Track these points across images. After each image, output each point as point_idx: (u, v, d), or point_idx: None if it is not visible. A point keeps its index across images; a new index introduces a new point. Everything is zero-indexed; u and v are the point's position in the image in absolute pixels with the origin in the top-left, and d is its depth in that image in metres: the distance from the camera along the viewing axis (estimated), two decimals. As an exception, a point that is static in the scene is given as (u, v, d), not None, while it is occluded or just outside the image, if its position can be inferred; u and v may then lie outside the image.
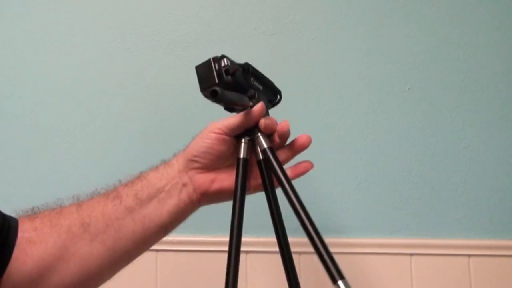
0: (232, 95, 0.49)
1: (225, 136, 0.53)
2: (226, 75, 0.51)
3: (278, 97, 0.63)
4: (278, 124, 0.55)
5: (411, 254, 0.86)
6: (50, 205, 0.52)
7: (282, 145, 0.57)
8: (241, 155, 0.53)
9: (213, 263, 0.83)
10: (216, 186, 0.55)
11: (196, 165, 0.54)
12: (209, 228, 0.87)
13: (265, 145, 0.53)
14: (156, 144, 0.91)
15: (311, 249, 0.88)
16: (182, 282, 0.85)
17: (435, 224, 0.88)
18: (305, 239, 0.88)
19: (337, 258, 0.89)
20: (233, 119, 0.53)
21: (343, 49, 0.93)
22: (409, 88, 0.91)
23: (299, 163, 0.57)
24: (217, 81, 0.51)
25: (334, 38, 0.93)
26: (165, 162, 0.56)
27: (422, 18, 0.93)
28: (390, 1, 0.93)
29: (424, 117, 0.91)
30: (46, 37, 0.95)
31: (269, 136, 0.55)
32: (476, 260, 0.85)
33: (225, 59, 0.52)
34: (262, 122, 0.53)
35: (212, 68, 0.52)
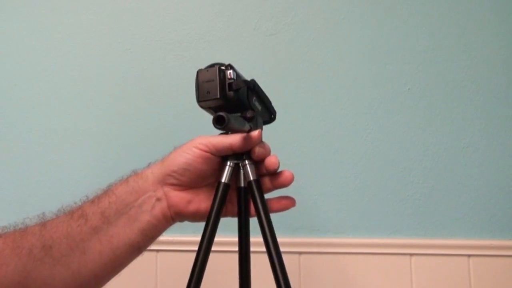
0: (235, 123, 0.44)
1: (209, 155, 0.48)
2: (229, 89, 0.47)
3: (272, 117, 0.58)
4: (270, 153, 0.51)
5: (411, 254, 0.86)
6: (17, 224, 0.48)
7: (265, 175, 0.53)
8: (223, 180, 0.49)
9: (213, 263, 0.83)
10: (192, 207, 0.50)
11: (173, 181, 0.49)
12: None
13: (251, 177, 0.49)
14: (156, 144, 0.91)
15: (311, 249, 0.88)
16: (182, 282, 0.85)
17: (435, 224, 0.88)
18: (305, 239, 0.88)
19: (337, 258, 0.90)
20: (224, 139, 0.48)
21: (343, 49, 0.93)
22: (409, 88, 0.91)
23: (283, 198, 0.53)
24: (218, 95, 0.46)
25: (334, 38, 0.93)
26: (135, 173, 0.50)
27: (422, 19, 0.93)
28: (390, 1, 0.93)
29: (424, 117, 0.91)
30: (46, 38, 0.95)
31: (256, 162, 0.51)
32: (476, 260, 0.85)
33: (231, 71, 0.47)
34: (256, 150, 0.50)
35: (217, 78, 0.46)
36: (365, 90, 0.92)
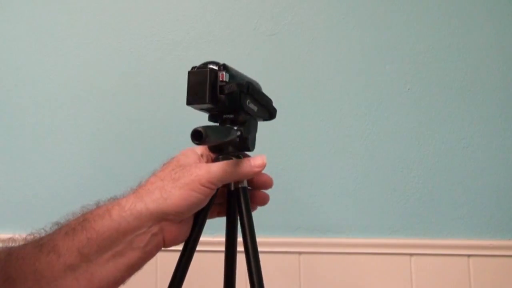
0: (217, 135, 0.42)
1: (215, 190, 0.46)
2: (220, 93, 0.45)
3: (272, 116, 0.57)
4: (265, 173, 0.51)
5: (411, 254, 0.86)
6: None
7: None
8: None
9: (213, 263, 0.83)
10: (187, 236, 0.48)
11: (175, 218, 0.45)
12: (209, 228, 0.87)
13: (240, 184, 0.49)
14: (156, 144, 0.91)
15: (311, 249, 0.88)
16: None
17: (435, 224, 0.88)
18: (305, 239, 0.88)
19: (337, 258, 0.90)
20: (230, 174, 0.46)
21: (343, 49, 0.93)
22: (409, 89, 0.91)
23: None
24: (207, 100, 0.44)
25: (334, 39, 0.93)
26: (118, 204, 0.43)
27: (421, 19, 0.93)
28: (390, 2, 0.93)
29: (424, 117, 0.91)
30: (46, 38, 0.95)
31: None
32: (475, 260, 0.85)
33: (224, 73, 0.45)
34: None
35: (207, 81, 0.44)
36: (365, 90, 0.92)
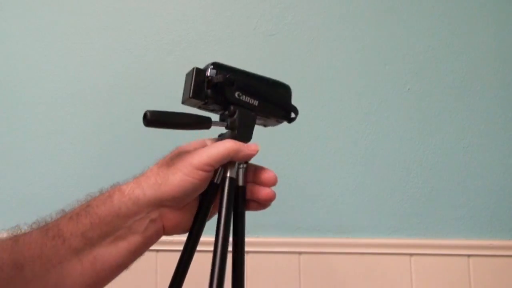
0: (170, 120, 0.44)
1: (212, 172, 0.46)
2: (207, 87, 0.47)
3: (292, 117, 0.55)
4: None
5: (411, 254, 0.86)
6: None
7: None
8: (216, 180, 0.48)
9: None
10: (189, 224, 0.48)
11: (172, 204, 0.45)
12: (209, 228, 0.87)
13: (229, 173, 0.48)
14: (156, 145, 0.91)
15: (311, 249, 0.88)
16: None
17: (435, 224, 0.88)
18: (305, 239, 0.88)
19: (337, 258, 0.90)
20: (222, 151, 0.45)
21: (343, 49, 0.93)
22: (408, 89, 0.91)
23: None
24: (190, 94, 0.46)
25: (334, 39, 0.93)
26: (120, 190, 0.44)
27: (421, 19, 0.93)
28: (390, 2, 0.93)
29: (423, 117, 0.91)
30: (46, 38, 0.95)
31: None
32: (475, 260, 0.85)
33: (209, 69, 0.47)
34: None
35: (192, 79, 0.47)
36: (365, 90, 0.92)
